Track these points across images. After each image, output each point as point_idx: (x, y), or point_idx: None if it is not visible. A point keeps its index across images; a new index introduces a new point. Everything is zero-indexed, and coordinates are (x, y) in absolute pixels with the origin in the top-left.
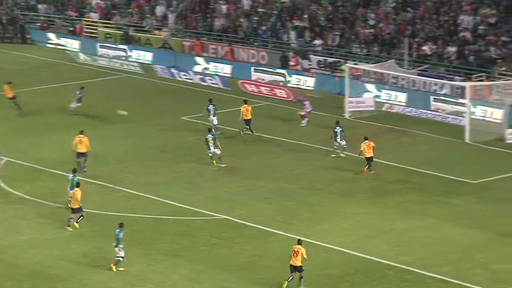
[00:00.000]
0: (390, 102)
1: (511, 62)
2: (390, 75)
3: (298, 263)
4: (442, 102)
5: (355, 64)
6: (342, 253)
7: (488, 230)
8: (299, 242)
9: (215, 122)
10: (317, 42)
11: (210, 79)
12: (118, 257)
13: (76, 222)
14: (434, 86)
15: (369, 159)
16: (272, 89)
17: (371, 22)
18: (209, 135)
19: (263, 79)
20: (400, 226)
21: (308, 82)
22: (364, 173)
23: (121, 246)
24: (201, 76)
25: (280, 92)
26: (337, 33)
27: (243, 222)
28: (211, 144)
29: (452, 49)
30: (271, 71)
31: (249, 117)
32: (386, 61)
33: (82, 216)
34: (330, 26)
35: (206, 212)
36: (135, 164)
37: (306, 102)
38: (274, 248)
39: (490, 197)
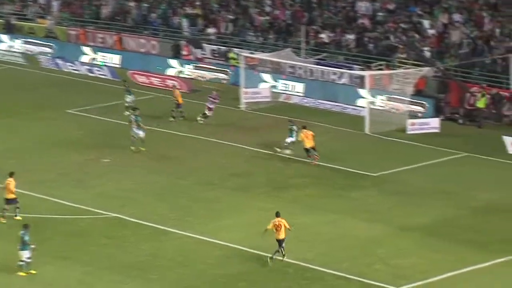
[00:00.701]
0: (287, 92)
1: (411, 50)
2: (287, 64)
3: (283, 236)
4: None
5: (251, 53)
6: (240, 251)
7: (388, 224)
8: (278, 214)
9: (129, 100)
10: (211, 30)
11: (98, 70)
12: (23, 260)
13: (16, 216)
14: (333, 76)
15: (309, 150)
16: (163, 80)
17: (267, 9)
18: (133, 116)
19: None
20: (299, 222)
21: (202, 72)
22: (314, 164)
23: (30, 247)
24: (88, 67)
25: (173, 83)
26: (231, 17)
27: (136, 220)
28: (134, 126)
29: (350, 36)
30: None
31: (181, 101)
32: (282, 49)
33: (17, 207)
34: (223, 13)
35: (96, 210)
36: (19, 161)
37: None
38: (169, 247)
39: (390, 190)
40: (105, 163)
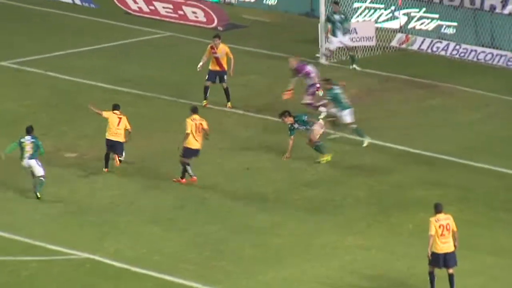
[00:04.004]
0: (406, 31)
1: None
2: None
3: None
4: None
5: None
6: None
7: None
8: (439, 208)
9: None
10: None
11: None
12: None
13: None
14: (492, 1)
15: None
16: (177, 9)
17: None
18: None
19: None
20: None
21: None
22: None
23: None
24: None
25: (195, 14)
26: None
27: (124, 266)
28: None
29: None
30: None
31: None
32: None
33: None
34: None
35: (52, 247)
36: None
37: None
38: None
39: None
40: (70, 159)
